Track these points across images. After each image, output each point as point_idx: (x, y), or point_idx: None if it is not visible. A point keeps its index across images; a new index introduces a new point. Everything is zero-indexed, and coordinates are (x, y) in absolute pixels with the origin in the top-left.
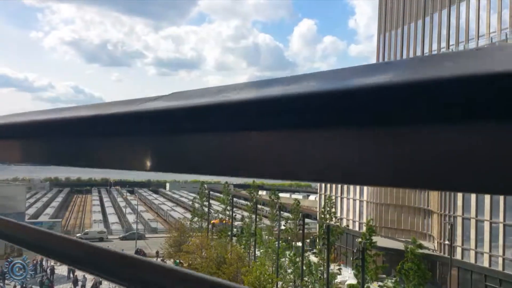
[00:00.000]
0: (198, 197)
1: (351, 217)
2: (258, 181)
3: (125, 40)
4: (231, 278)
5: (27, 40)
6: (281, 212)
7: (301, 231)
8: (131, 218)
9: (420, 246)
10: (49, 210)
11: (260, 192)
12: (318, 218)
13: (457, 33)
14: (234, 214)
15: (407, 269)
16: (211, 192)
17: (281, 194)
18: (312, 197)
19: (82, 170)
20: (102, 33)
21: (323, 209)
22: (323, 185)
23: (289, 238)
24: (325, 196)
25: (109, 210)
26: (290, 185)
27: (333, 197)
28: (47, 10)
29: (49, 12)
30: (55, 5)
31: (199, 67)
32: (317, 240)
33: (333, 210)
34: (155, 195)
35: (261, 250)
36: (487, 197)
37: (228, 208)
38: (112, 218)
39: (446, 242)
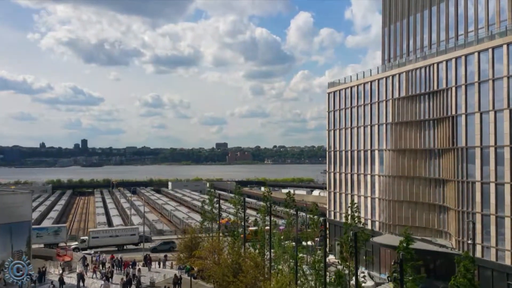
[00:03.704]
0: (207, 197)
1: (362, 214)
2: (260, 177)
3: (122, 39)
4: None
5: (24, 42)
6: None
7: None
8: (135, 219)
9: (472, 260)
10: (53, 214)
11: (262, 189)
12: (327, 215)
13: (466, 22)
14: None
15: (459, 285)
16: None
17: (283, 190)
18: (315, 192)
19: (84, 171)
20: (99, 33)
21: (346, 214)
22: (331, 181)
23: (300, 237)
24: (334, 193)
25: (113, 212)
26: (293, 180)
27: (342, 195)
28: (43, 11)
29: (45, 13)
30: (50, 6)
31: (197, 63)
32: (328, 240)
33: (357, 214)
34: (157, 195)
35: (275, 251)
36: (507, 193)
37: (240, 210)
38: (116, 220)
39: (466, 240)
